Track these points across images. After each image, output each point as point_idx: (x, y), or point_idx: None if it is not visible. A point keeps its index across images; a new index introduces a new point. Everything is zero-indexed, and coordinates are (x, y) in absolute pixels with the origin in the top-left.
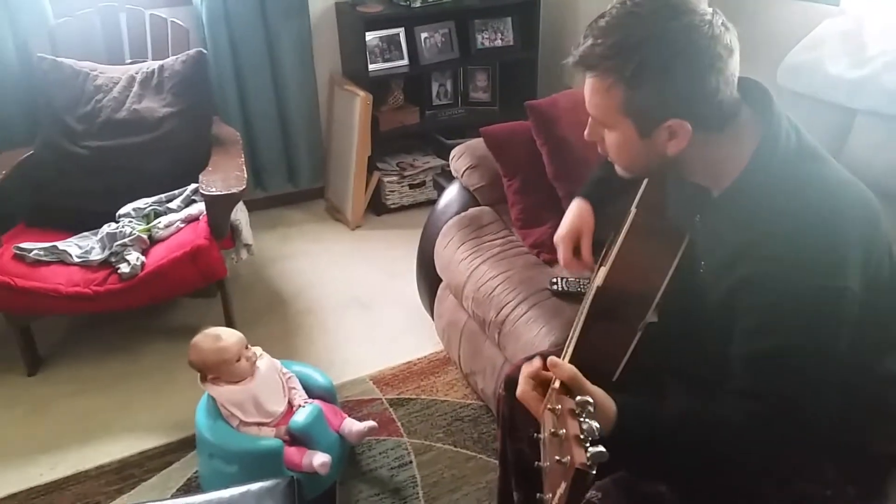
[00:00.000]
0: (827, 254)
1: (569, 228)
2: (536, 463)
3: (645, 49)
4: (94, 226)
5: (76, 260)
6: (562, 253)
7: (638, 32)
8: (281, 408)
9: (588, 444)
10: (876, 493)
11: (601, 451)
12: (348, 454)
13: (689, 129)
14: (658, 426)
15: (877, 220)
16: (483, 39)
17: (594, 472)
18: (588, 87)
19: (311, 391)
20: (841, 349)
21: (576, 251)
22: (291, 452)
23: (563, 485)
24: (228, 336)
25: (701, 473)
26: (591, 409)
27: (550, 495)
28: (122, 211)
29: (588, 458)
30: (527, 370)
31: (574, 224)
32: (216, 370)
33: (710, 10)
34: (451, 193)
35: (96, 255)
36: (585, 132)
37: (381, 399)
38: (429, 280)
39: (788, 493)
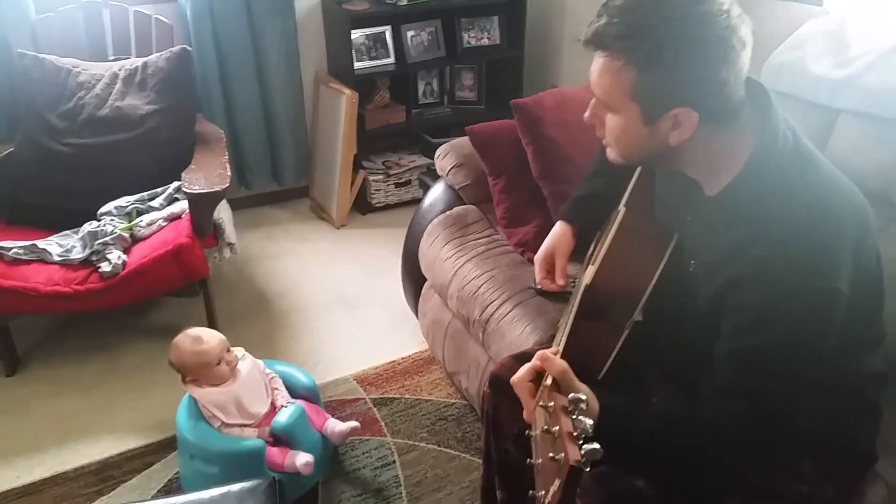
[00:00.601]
0: (819, 255)
1: (544, 251)
2: (528, 460)
3: (661, 33)
4: (75, 224)
5: (56, 259)
6: (537, 273)
7: (655, 15)
8: (263, 409)
9: (582, 442)
10: (853, 490)
11: (595, 448)
12: (332, 454)
13: (694, 119)
14: (641, 425)
15: (867, 223)
16: (469, 38)
17: (588, 469)
18: (597, 66)
19: (294, 391)
20: (828, 349)
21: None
22: (274, 453)
23: (557, 482)
24: (209, 338)
25: (682, 471)
26: (583, 406)
27: (543, 492)
28: (103, 209)
29: (583, 455)
30: (534, 363)
31: (549, 247)
32: (195, 373)
33: (729, 0)
34: (437, 192)
35: (77, 254)
36: (586, 114)
37: (364, 399)
38: (413, 279)
39: (764, 489)
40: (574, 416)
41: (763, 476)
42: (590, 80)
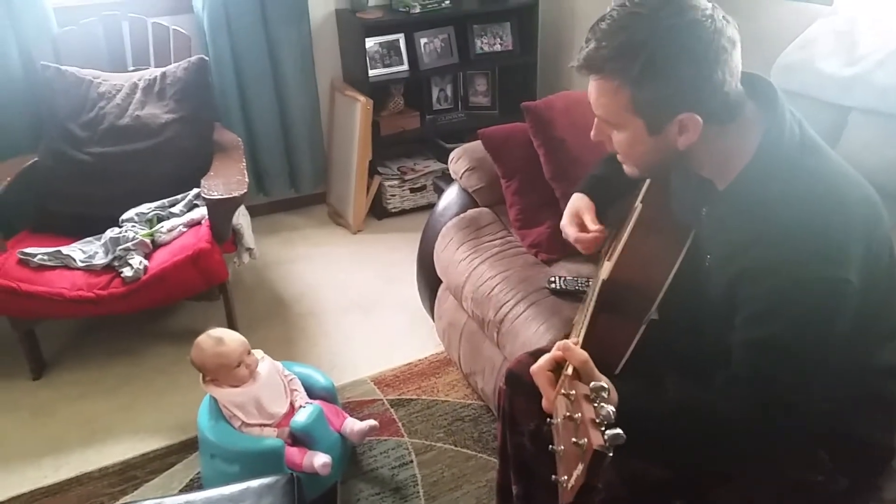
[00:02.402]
0: (829, 246)
1: (570, 210)
2: (550, 447)
3: (650, 48)
4: (97, 231)
5: (80, 264)
6: (569, 232)
7: (642, 32)
8: (283, 409)
9: (604, 428)
10: (869, 484)
11: (618, 434)
12: (350, 454)
13: (699, 122)
14: (656, 412)
15: (878, 214)
16: (482, 44)
17: (611, 454)
18: (593, 89)
19: (313, 392)
20: (838, 340)
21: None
22: (293, 453)
23: (581, 466)
24: (231, 341)
25: (696, 459)
26: (605, 394)
27: (566, 477)
28: (125, 216)
29: (606, 440)
30: (554, 353)
31: (573, 206)
32: (214, 373)
33: (710, 4)
34: (451, 195)
35: (100, 260)
36: (592, 133)
37: (382, 400)
38: (429, 282)
39: (779, 479)
40: (596, 404)
41: (775, 463)
42: (590, 101)
